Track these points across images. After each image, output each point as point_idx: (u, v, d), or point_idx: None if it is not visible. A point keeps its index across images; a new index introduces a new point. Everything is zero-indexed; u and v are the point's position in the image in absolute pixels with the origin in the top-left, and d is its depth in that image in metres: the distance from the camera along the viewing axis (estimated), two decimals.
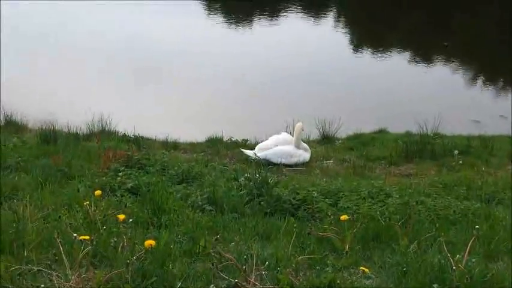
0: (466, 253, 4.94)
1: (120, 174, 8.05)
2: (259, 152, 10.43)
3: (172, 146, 10.93)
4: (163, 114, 13.63)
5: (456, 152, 10.52)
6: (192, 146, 11.21)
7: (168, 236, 5.65)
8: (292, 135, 10.59)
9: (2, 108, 11.61)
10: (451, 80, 17.87)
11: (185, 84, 15.75)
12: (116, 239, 5.12)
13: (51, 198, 6.78)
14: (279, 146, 10.43)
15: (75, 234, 4.66)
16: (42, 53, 17.43)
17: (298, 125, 10.50)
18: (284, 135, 10.77)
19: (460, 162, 10.12)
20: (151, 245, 4.83)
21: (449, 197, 7.88)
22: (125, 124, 11.39)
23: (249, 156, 10.38)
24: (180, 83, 15.89)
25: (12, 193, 6.99)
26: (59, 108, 12.12)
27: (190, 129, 12.10)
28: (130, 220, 5.47)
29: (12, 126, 11.21)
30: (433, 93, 16.05)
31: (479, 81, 17.97)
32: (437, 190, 8.41)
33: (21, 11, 21.42)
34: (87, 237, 4.77)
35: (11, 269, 4.64)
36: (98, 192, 5.98)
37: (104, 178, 7.84)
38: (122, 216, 5.20)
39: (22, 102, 12.30)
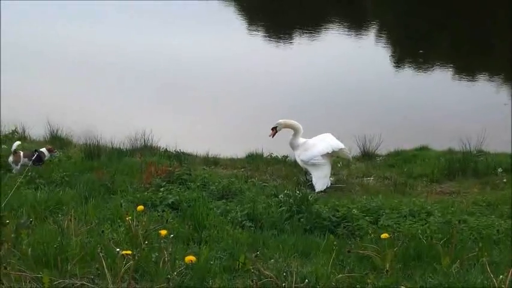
0: (510, 273, 4.84)
1: (162, 189, 8.20)
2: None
3: (212, 162, 11.02)
4: (204, 130, 13.75)
5: (500, 169, 10.31)
6: (232, 162, 11.27)
7: (208, 252, 5.71)
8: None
9: (48, 124, 11.88)
10: (494, 96, 17.55)
11: (226, 100, 15.87)
12: (157, 254, 5.18)
13: (95, 212, 6.93)
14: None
15: (117, 249, 4.73)
16: (84, 70, 17.77)
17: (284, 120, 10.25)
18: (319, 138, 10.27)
19: (504, 180, 9.91)
20: (191, 260, 4.86)
21: (492, 216, 7.77)
22: (167, 140, 11.52)
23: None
24: (220, 98, 16.01)
25: (58, 207, 7.16)
26: (103, 125, 12.32)
27: (230, 145, 12.16)
28: (171, 235, 5.53)
29: (58, 142, 11.45)
30: (477, 109, 15.78)
31: None
32: (481, 209, 8.30)
33: (55, 30, 21.98)
34: (129, 252, 4.84)
35: (55, 282, 4.74)
36: (140, 208, 6.05)
37: (146, 193, 7.99)
38: (164, 232, 5.25)
39: (67, 118, 12.56)
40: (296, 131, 10.22)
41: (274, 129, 10.25)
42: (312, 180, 9.95)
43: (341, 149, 10.04)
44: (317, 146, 9.94)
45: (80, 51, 19.64)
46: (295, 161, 10.88)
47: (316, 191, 9.52)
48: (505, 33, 23.52)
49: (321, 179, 9.76)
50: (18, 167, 8.95)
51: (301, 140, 10.17)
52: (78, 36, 21.44)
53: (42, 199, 7.34)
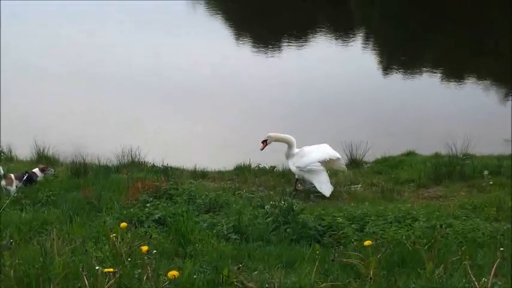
0: (491, 276, 4.86)
1: (148, 205, 8.18)
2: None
3: (200, 175, 11.01)
4: (192, 143, 13.77)
5: (486, 172, 10.34)
6: (221, 175, 11.28)
7: (192, 266, 5.70)
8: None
9: (35, 144, 11.87)
10: (482, 99, 17.65)
11: (212, 113, 15.91)
12: (140, 271, 5.18)
13: (80, 231, 6.91)
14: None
15: (97, 267, 4.73)
16: (70, 86, 17.79)
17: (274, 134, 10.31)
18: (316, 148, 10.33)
19: (491, 182, 9.94)
20: (174, 275, 4.87)
21: (478, 219, 7.79)
22: (154, 155, 11.53)
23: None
24: (206, 111, 16.05)
25: (42, 227, 7.14)
26: (89, 141, 12.37)
27: (218, 158, 12.18)
28: (155, 251, 5.53)
29: (45, 161, 11.42)
30: (464, 113, 15.89)
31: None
32: (467, 212, 8.32)
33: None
34: (111, 269, 4.84)
35: None
36: (123, 225, 6.04)
37: (132, 210, 7.97)
38: (145, 248, 5.25)
39: (53, 135, 12.57)
40: (290, 144, 10.27)
41: (265, 142, 10.29)
42: (298, 188, 10.18)
43: (337, 158, 10.15)
44: (314, 153, 10.04)
45: (67, 61, 19.71)
46: (284, 171, 10.95)
47: (327, 195, 9.73)
48: (494, 37, 23.64)
49: (324, 184, 9.90)
50: (14, 188, 8.89)
51: (296, 150, 10.21)
52: (66, 47, 21.58)
53: (27, 219, 7.33)
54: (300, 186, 10.38)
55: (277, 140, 10.32)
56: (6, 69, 17.86)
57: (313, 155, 9.97)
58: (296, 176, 10.25)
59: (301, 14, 28.06)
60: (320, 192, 9.90)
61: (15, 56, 19.41)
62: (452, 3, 27.30)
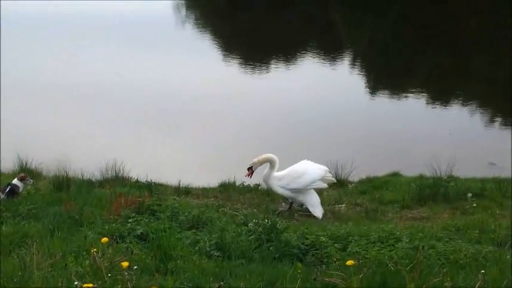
0: None
1: (130, 220, 8.14)
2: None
3: (184, 192, 10.95)
4: (177, 160, 13.74)
5: (470, 195, 10.40)
6: (205, 191, 11.22)
7: (173, 282, 5.65)
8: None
9: (17, 157, 11.77)
10: (467, 122, 17.78)
11: (198, 129, 15.90)
12: (120, 287, 5.12)
13: (60, 245, 6.84)
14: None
15: (76, 282, 4.67)
16: (56, 100, 17.71)
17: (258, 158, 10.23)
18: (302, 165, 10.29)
19: (474, 205, 10.00)
20: None
21: (460, 241, 7.81)
22: (138, 170, 11.47)
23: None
24: (193, 128, 16.04)
25: (22, 241, 7.05)
26: (74, 155, 12.28)
27: (203, 174, 12.15)
28: (135, 267, 5.46)
29: (27, 174, 11.30)
30: (449, 135, 15.99)
31: (497, 124, 17.81)
32: (450, 234, 8.33)
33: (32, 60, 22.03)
34: (90, 285, 4.79)
35: None
36: (104, 240, 5.98)
37: (114, 225, 7.91)
38: (125, 264, 5.20)
39: (37, 149, 12.49)
40: (273, 164, 10.20)
41: (250, 169, 10.24)
42: (288, 207, 10.15)
43: (327, 171, 10.18)
44: (313, 171, 9.99)
45: (54, 78, 19.66)
46: (269, 189, 10.92)
47: (319, 218, 9.69)
48: (482, 59, 23.88)
49: (317, 207, 9.89)
50: None
51: (277, 173, 10.14)
52: (52, 62, 21.55)
53: (7, 233, 7.25)
54: (283, 205, 10.36)
55: (262, 162, 10.28)
56: None
57: (312, 174, 9.94)
58: (290, 200, 10.19)
59: (290, 34, 28.22)
60: (307, 212, 9.89)
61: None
62: (440, 28, 27.61)
